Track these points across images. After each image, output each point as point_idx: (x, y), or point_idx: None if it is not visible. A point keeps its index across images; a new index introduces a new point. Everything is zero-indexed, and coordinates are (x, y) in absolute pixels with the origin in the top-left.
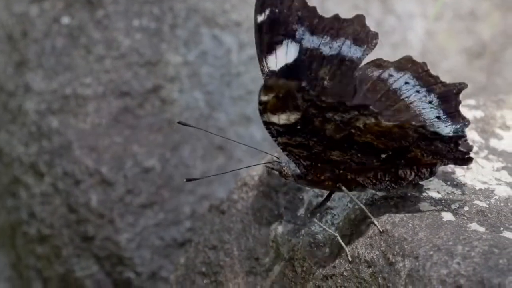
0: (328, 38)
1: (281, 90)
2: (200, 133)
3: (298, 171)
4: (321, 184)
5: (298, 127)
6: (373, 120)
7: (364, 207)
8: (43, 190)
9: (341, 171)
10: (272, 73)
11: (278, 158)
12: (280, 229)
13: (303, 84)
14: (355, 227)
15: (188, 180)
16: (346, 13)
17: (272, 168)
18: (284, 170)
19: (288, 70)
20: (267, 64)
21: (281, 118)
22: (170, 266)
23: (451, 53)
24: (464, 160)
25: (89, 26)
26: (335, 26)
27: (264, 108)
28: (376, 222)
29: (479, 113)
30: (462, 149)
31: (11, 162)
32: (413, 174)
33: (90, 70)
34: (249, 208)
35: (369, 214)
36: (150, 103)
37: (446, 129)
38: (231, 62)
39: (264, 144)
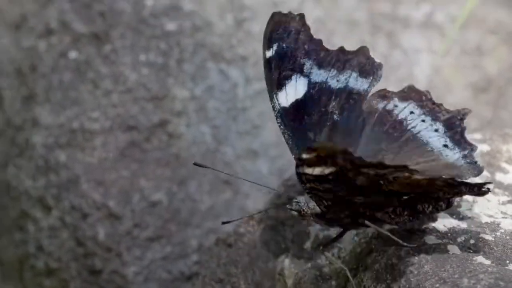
0: (335, 71)
1: (325, 152)
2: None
3: (317, 209)
4: (340, 222)
5: (330, 177)
6: (406, 174)
7: (390, 234)
8: (51, 224)
9: (361, 209)
10: (283, 110)
11: (295, 198)
12: (286, 262)
13: (349, 149)
14: (361, 260)
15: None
16: (353, 48)
17: (291, 209)
18: (303, 210)
19: (298, 105)
20: (278, 100)
21: (315, 171)
22: None
23: (457, 88)
24: (482, 193)
25: (96, 60)
26: (341, 59)
27: (302, 163)
28: (406, 244)
29: (485, 147)
30: (484, 189)
31: (19, 196)
32: (431, 207)
33: (97, 104)
34: (256, 242)
35: (397, 240)
36: (157, 138)
37: (454, 156)
38: (238, 97)
39: (271, 178)
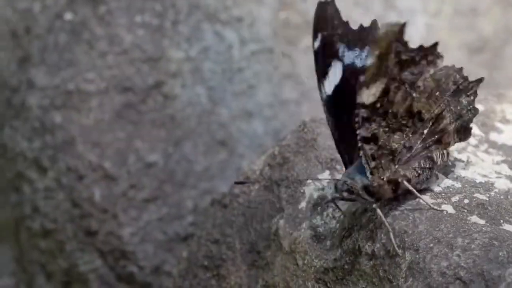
0: (358, 50)
1: (385, 42)
2: (202, 128)
3: (365, 180)
4: (382, 189)
5: (378, 106)
6: (431, 71)
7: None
8: (47, 185)
9: (396, 166)
10: (327, 97)
11: (333, 179)
12: (281, 222)
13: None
14: (355, 220)
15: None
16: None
17: (342, 190)
18: (354, 185)
19: (337, 91)
20: (324, 89)
21: (370, 94)
22: (173, 260)
23: (452, 49)
24: (467, 131)
25: (91, 22)
26: (361, 37)
27: (361, 86)
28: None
29: (479, 107)
30: (476, 107)
31: (15, 157)
32: (440, 156)
33: (92, 65)
34: (251, 202)
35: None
36: (153, 99)
37: None
38: (233, 58)
39: (266, 138)
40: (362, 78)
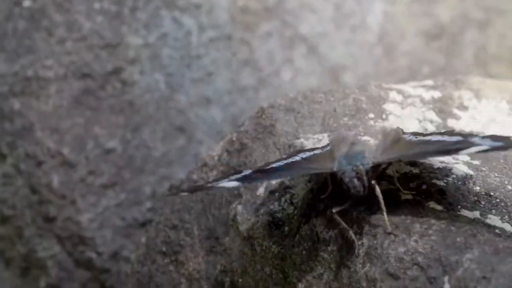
0: None
1: None
2: (160, 114)
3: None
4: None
5: None
6: None
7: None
8: (5, 171)
9: None
10: None
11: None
12: (239, 208)
13: None
14: (313, 206)
15: None
16: None
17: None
18: (360, 170)
19: None
20: None
21: None
22: (131, 245)
23: (410, 35)
24: None
25: (50, 8)
26: None
27: None
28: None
29: (437, 94)
30: None
31: None
32: None
33: (51, 52)
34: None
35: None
36: (111, 85)
37: None
38: (191, 44)
39: (224, 124)
40: None
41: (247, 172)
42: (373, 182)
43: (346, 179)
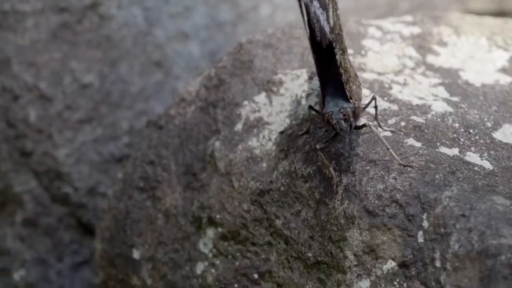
0: None
1: None
2: (138, 49)
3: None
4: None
5: (336, 31)
6: None
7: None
8: None
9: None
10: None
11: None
12: (217, 144)
13: None
14: (292, 142)
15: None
16: None
17: (339, 119)
18: (347, 112)
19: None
20: (306, 27)
21: (330, 16)
22: (108, 181)
23: None
24: None
25: None
26: None
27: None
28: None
29: (416, 30)
30: None
31: None
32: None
33: None
34: (187, 124)
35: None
36: (89, 19)
37: None
38: None
39: (202, 60)
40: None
41: None
42: (368, 123)
43: (334, 121)
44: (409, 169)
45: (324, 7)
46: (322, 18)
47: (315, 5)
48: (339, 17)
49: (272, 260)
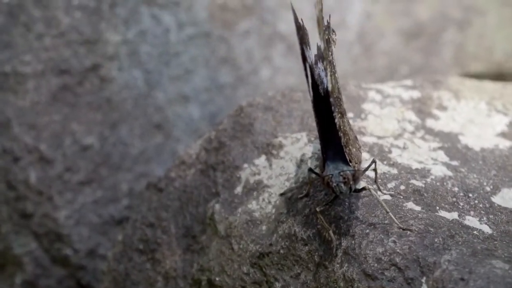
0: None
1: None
2: (138, 111)
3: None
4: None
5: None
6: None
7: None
8: None
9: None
10: (312, 97)
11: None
12: (217, 207)
13: None
14: (291, 205)
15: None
16: None
17: (339, 182)
18: (347, 176)
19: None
20: (310, 90)
21: (328, 80)
22: (108, 243)
23: (389, 34)
24: None
25: (29, 4)
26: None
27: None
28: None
29: (416, 94)
30: None
31: None
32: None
33: (29, 48)
34: (187, 186)
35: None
36: (89, 82)
37: None
38: (170, 42)
39: (202, 122)
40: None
41: None
42: (368, 186)
43: (333, 184)
44: (408, 232)
45: (325, 69)
46: (325, 80)
47: (320, 67)
48: (338, 80)
49: None
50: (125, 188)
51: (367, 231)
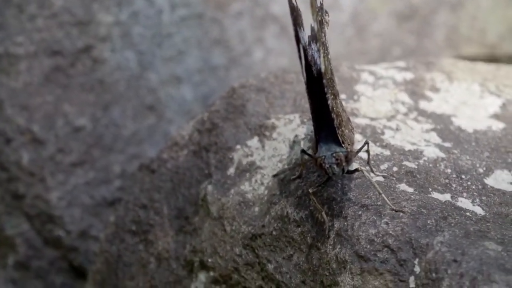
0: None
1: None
2: (131, 93)
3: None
4: (352, 155)
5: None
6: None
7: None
8: None
9: (346, 130)
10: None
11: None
12: (209, 188)
13: None
14: (284, 186)
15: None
16: None
17: (331, 163)
18: (340, 157)
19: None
20: (303, 71)
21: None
22: (100, 224)
23: (382, 16)
24: None
25: None
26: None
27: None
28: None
29: (409, 75)
30: None
31: None
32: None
33: (22, 29)
34: (179, 167)
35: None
36: (82, 63)
37: None
38: (163, 23)
39: (194, 104)
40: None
41: None
42: (361, 167)
43: (326, 165)
44: (401, 214)
45: (318, 50)
46: (319, 61)
47: (313, 49)
48: (330, 62)
49: None
50: (117, 169)
51: (360, 212)
